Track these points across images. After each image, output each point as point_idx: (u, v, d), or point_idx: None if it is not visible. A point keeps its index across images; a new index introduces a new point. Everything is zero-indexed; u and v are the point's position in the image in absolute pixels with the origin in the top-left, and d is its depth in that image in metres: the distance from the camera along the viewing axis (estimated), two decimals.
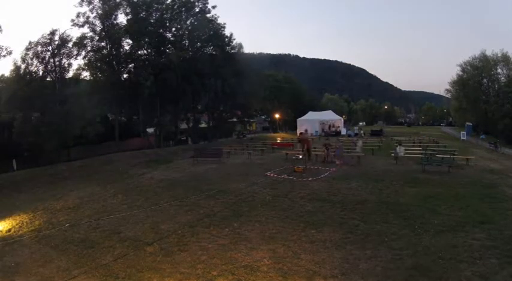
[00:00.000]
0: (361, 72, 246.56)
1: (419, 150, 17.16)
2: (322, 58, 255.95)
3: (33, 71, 26.10)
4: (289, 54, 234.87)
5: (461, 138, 27.15)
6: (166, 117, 31.79)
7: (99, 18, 27.62)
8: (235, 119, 40.16)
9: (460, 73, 41.15)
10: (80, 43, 27.08)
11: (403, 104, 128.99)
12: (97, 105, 25.61)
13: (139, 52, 30.38)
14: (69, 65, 27.53)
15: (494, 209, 7.23)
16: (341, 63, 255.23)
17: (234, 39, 34.09)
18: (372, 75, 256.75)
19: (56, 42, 26.49)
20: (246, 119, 40.75)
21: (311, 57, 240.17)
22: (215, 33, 31.98)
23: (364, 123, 68.78)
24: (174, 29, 31.20)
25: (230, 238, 6.33)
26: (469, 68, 40.02)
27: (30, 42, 26.12)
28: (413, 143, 22.18)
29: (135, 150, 27.10)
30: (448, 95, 46.62)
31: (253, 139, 32.06)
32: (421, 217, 6.86)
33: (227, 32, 33.62)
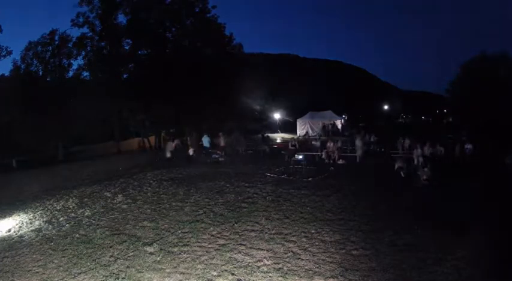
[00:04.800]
0: (361, 72, 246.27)
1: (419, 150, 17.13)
2: (322, 58, 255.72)
3: (33, 71, 26.16)
4: (289, 54, 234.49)
5: (461, 138, 27.11)
6: (166, 117, 31.79)
7: (99, 18, 27.65)
8: (235, 120, 40.13)
9: (460, 73, 41.25)
10: (80, 43, 27.13)
11: (403, 104, 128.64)
12: (97, 105, 25.64)
13: (139, 52, 30.41)
14: (69, 65, 27.63)
15: (495, 209, 7.23)
16: (341, 63, 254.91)
17: (234, 39, 34.05)
18: (372, 75, 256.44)
19: (56, 42, 26.57)
20: (245, 120, 40.72)
21: (311, 57, 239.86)
22: (215, 33, 31.95)
23: (363, 124, 68.60)
24: (174, 29, 31.22)
25: (230, 238, 6.33)
26: (469, 68, 40.08)
27: (30, 42, 26.19)
28: (413, 143, 22.19)
29: (135, 150, 27.15)
30: (448, 95, 46.70)
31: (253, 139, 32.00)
32: (422, 217, 6.87)
33: (227, 32, 33.62)
